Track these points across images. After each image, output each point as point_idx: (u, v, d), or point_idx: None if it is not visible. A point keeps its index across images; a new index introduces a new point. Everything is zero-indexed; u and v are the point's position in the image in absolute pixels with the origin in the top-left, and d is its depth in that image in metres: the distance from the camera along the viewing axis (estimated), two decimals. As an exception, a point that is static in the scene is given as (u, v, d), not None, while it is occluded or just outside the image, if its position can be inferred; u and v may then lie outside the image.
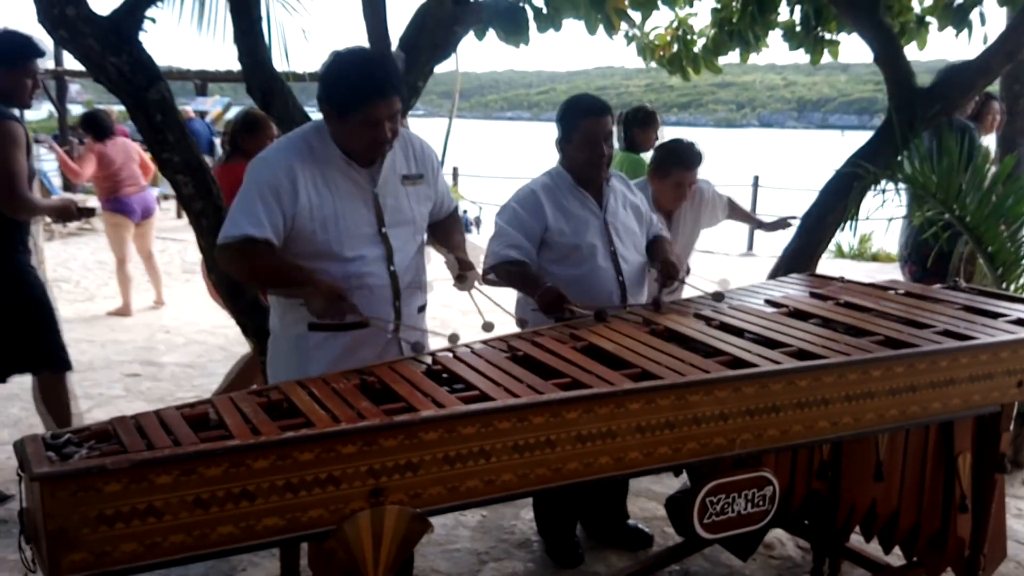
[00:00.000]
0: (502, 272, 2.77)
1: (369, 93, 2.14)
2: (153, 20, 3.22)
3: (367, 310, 2.22)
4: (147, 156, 6.40)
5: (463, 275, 2.35)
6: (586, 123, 2.80)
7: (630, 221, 2.97)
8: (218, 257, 2.28)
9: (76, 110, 15.74)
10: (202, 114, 12.80)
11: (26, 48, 3.24)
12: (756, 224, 4.43)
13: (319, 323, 2.24)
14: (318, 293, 2.11)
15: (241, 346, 5.26)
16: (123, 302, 6.77)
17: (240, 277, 2.30)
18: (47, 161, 14.58)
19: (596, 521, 3.27)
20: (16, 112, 3.31)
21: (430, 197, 2.45)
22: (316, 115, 3.62)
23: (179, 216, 11.52)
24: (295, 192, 2.19)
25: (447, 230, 2.58)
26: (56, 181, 13.50)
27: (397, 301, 2.34)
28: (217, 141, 12.01)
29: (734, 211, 4.00)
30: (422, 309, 2.48)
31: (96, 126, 6.57)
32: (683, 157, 3.41)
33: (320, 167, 2.23)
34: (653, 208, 3.24)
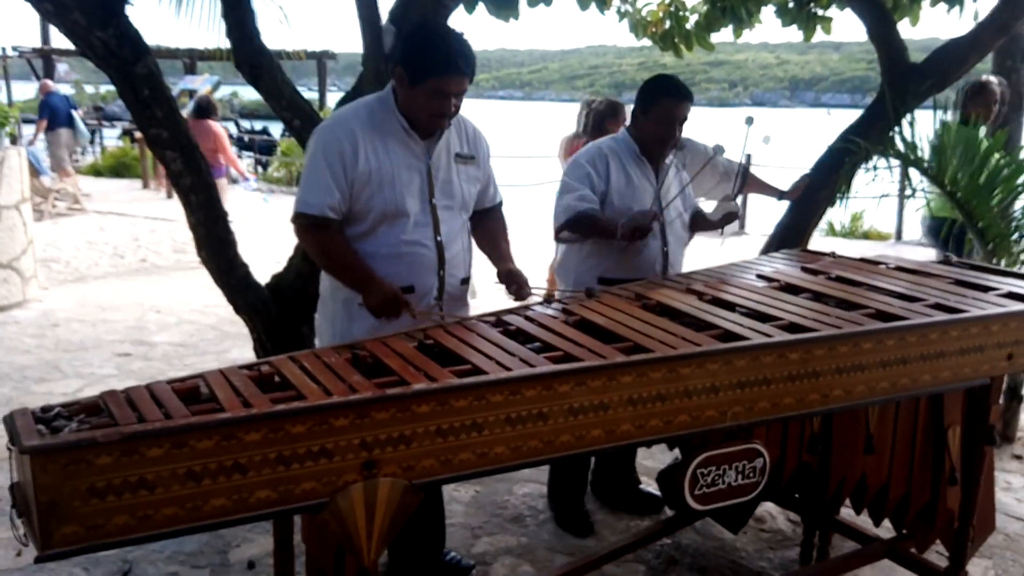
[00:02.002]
0: (575, 226, 2.91)
1: (447, 66, 2.27)
2: (140, -7, 3.17)
3: (413, 277, 2.38)
4: (224, 140, 8.02)
5: (518, 290, 2.43)
6: (666, 101, 2.91)
7: (678, 199, 3.08)
8: (294, 226, 2.40)
9: (64, 89, 15.59)
10: (191, 92, 12.70)
11: None
12: (776, 193, 4.09)
13: None
14: (376, 291, 2.27)
15: (233, 325, 5.26)
16: None
17: (309, 251, 2.51)
18: (37, 141, 14.43)
19: (607, 487, 3.32)
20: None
21: (479, 179, 2.56)
22: (307, 94, 3.59)
23: (169, 196, 11.46)
24: (356, 156, 2.31)
25: (493, 237, 2.63)
26: (45, 162, 13.41)
27: (441, 271, 2.45)
28: (76, 114, 12.16)
29: (749, 182, 3.95)
30: (465, 282, 2.57)
31: (197, 107, 8.16)
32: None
33: (380, 134, 2.36)
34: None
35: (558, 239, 3.06)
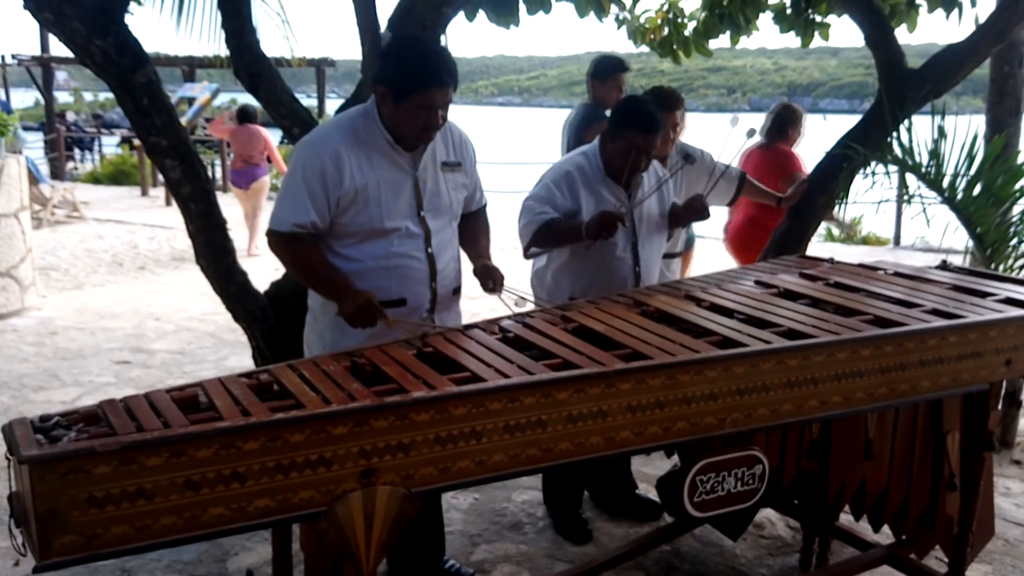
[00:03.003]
0: (542, 239, 2.84)
1: (429, 79, 2.23)
2: (139, 2, 3.18)
3: (405, 290, 2.36)
4: (272, 143, 8.73)
5: (493, 285, 2.44)
6: (631, 134, 2.82)
7: (654, 209, 3.02)
8: (268, 241, 2.39)
9: (63, 97, 15.63)
10: (190, 100, 12.74)
11: (615, 64, 4.41)
12: (775, 200, 4.11)
13: None
14: (350, 299, 2.23)
15: (231, 332, 5.26)
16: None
17: (284, 265, 2.49)
18: (34, 149, 14.46)
19: (605, 493, 3.31)
20: (606, 113, 4.14)
21: (466, 186, 2.54)
22: (304, 100, 3.61)
23: (168, 204, 11.47)
24: (340, 176, 2.28)
25: (474, 234, 2.62)
26: (44, 169, 13.44)
27: (433, 282, 2.43)
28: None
29: (748, 188, 3.94)
30: (457, 291, 2.56)
31: (241, 112, 8.72)
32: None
33: (365, 150, 2.32)
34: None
35: (527, 256, 2.98)
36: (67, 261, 8.18)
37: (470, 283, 2.59)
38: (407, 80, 2.23)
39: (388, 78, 2.27)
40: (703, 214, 3.04)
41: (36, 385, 4.68)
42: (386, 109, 2.31)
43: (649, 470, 3.60)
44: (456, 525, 3.17)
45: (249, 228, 8.66)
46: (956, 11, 4.25)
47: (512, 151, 17.63)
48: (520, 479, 3.21)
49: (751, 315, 2.25)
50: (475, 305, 5.46)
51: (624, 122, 2.85)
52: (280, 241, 2.34)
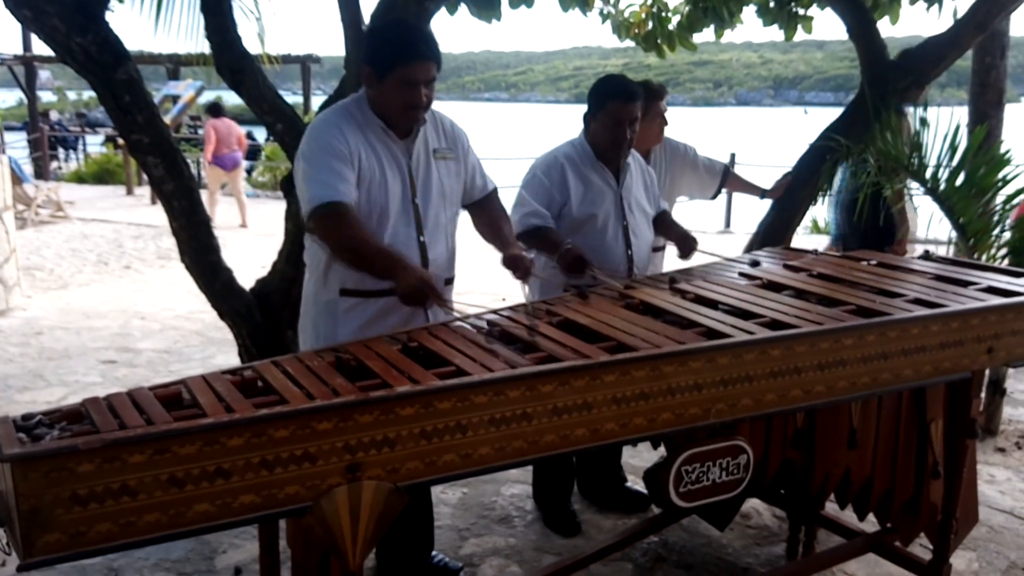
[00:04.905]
0: (525, 238, 2.86)
1: (410, 52, 2.26)
2: (120, -1, 3.15)
3: None
4: (243, 133, 10.56)
5: (524, 274, 2.41)
6: (613, 105, 2.86)
7: (642, 198, 3.06)
8: (311, 224, 2.27)
9: (47, 96, 15.52)
10: (174, 98, 12.68)
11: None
12: (759, 192, 4.08)
13: (350, 288, 2.38)
14: (408, 277, 2.12)
15: (218, 330, 5.24)
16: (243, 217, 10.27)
17: (331, 244, 2.28)
18: (17, 148, 14.36)
19: (594, 486, 3.32)
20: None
21: (460, 174, 2.54)
22: (290, 97, 3.59)
23: (153, 202, 11.40)
24: (350, 151, 2.30)
25: (493, 223, 2.59)
26: (28, 169, 13.34)
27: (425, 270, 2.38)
28: None
29: (731, 181, 3.93)
30: (449, 282, 2.54)
31: (213, 109, 10.60)
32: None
33: (362, 132, 2.35)
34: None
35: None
36: (52, 261, 8.13)
37: (462, 276, 2.60)
38: (387, 55, 2.26)
39: (370, 56, 2.31)
40: (687, 253, 3.03)
41: (21, 386, 4.65)
42: (372, 90, 2.34)
43: (637, 461, 3.62)
44: (445, 519, 3.18)
45: (239, 203, 10.26)
46: (936, 4, 4.27)
47: (501, 146, 17.64)
48: (509, 473, 3.22)
49: (735, 306, 2.26)
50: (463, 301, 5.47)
51: (605, 96, 2.90)
52: (325, 216, 2.21)
